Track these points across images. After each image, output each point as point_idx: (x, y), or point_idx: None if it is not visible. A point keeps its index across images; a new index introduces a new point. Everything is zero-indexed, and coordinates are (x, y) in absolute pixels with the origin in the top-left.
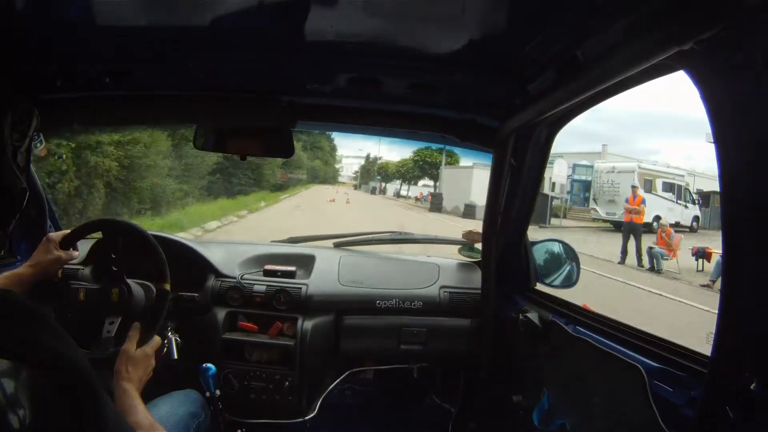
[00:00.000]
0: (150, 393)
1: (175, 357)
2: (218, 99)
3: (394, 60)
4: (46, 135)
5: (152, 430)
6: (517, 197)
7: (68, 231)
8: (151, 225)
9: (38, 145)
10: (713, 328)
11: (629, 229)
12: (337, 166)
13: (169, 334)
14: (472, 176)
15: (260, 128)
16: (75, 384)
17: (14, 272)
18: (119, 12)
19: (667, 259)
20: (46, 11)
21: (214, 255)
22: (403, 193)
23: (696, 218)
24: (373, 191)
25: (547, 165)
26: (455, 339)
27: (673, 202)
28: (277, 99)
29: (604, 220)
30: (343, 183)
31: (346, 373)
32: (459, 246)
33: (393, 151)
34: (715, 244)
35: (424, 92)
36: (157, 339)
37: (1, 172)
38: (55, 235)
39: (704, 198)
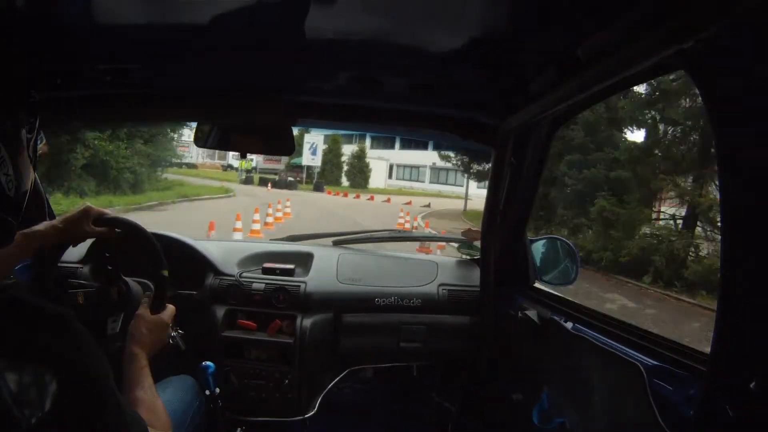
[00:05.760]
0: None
1: (183, 348)
2: (218, 97)
3: (394, 58)
4: (46, 134)
5: (153, 408)
6: (516, 195)
7: (108, 212)
8: None
9: (38, 143)
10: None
11: None
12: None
13: (171, 331)
14: None
15: (261, 126)
16: (81, 388)
17: (38, 230)
18: (119, 11)
19: None
20: (45, 9)
21: (213, 253)
22: None
23: None
24: None
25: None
26: (454, 337)
27: None
28: (277, 97)
29: None
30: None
31: (346, 371)
32: (458, 244)
33: None
34: None
35: (424, 91)
36: (171, 308)
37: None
38: (95, 211)
39: None
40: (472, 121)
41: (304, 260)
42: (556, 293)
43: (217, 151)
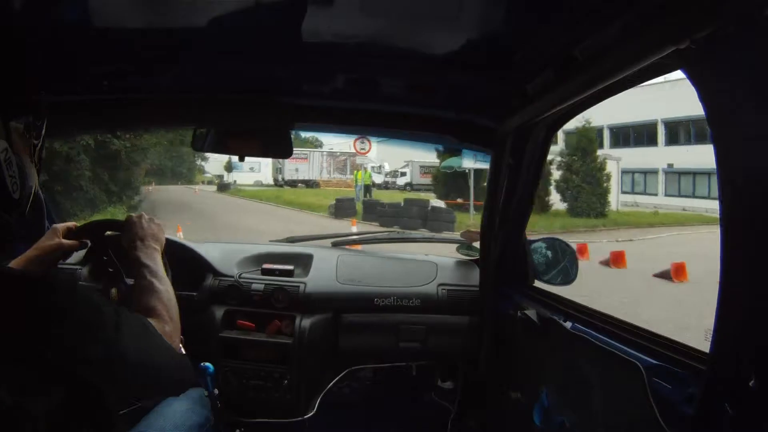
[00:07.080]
0: None
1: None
2: (217, 100)
3: (392, 61)
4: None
5: (168, 312)
6: (515, 196)
7: (74, 223)
8: None
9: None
10: None
11: None
12: None
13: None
14: None
15: (259, 129)
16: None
17: (16, 260)
18: (117, 14)
19: None
20: (43, 14)
21: (212, 254)
22: None
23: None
24: None
25: None
26: (454, 336)
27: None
28: (275, 100)
29: None
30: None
31: (345, 371)
32: (457, 245)
33: None
34: None
35: (422, 93)
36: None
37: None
38: (61, 226)
39: None
40: (470, 123)
41: (304, 261)
42: (555, 293)
43: (348, 166)
